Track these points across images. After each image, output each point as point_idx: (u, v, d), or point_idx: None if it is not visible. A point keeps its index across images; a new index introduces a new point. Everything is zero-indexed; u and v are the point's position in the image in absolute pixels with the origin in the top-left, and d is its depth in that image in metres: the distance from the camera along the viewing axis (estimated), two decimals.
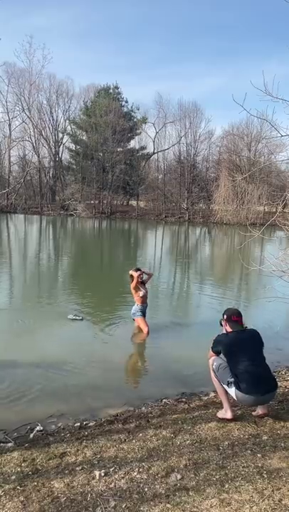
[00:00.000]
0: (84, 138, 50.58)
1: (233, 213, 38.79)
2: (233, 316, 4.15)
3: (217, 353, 4.17)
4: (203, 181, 47.26)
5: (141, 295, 7.19)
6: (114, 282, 12.21)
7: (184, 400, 4.78)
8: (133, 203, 51.71)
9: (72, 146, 51.92)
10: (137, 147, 52.03)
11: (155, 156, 52.88)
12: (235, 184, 37.92)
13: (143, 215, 46.68)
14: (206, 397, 4.83)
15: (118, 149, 47.95)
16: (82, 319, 7.49)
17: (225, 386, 4.01)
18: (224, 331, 4.22)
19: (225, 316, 4.21)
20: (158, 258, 18.72)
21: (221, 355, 4.19)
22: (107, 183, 46.60)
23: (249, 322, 4.97)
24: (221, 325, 4.26)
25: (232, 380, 3.89)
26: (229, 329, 4.13)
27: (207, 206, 46.19)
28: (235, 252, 19.96)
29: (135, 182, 48.24)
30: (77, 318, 7.48)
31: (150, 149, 52.61)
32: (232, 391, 3.92)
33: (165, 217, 45.57)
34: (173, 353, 6.56)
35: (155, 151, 51.90)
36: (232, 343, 3.99)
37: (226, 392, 4.06)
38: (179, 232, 35.80)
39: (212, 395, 4.83)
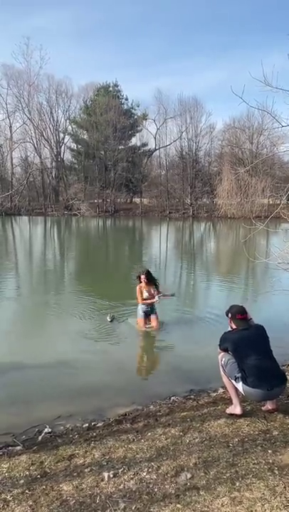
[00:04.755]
0: (85, 137, 50.32)
1: (237, 207, 38.40)
2: (238, 315, 4.13)
3: (225, 350, 4.14)
4: (206, 176, 46.46)
5: (144, 297, 7.19)
6: (120, 280, 12.17)
7: (192, 396, 4.74)
8: (136, 200, 51.15)
9: (74, 146, 51.93)
10: (139, 144, 51.75)
11: (157, 152, 51.96)
12: (238, 177, 37.44)
13: (147, 212, 46.22)
14: (214, 394, 4.80)
15: (120, 147, 47.50)
16: (114, 318, 7.45)
17: (233, 381, 3.99)
18: (230, 328, 4.20)
19: (229, 315, 4.18)
20: (163, 254, 18.59)
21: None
22: (109, 181, 46.42)
23: (256, 315, 4.81)
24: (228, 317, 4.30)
25: (239, 375, 3.88)
26: (234, 327, 4.09)
27: (211, 201, 45.56)
28: (240, 245, 19.86)
29: (138, 179, 48.03)
30: (113, 317, 7.43)
31: (152, 146, 52.42)
32: (239, 386, 3.90)
33: (169, 213, 45.07)
34: (181, 350, 6.49)
35: (157, 148, 51.00)
36: (238, 340, 3.98)
37: (235, 388, 4.02)
38: (184, 227, 35.55)
39: (221, 391, 4.80)
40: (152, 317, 7.15)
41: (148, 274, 7.23)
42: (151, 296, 7.20)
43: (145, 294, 7.21)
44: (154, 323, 7.09)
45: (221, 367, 4.14)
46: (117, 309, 8.34)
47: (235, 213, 37.70)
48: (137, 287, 7.28)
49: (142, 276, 7.15)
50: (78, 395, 4.80)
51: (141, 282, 7.19)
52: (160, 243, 23.55)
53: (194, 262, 16.41)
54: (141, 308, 7.15)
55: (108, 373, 5.49)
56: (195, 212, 44.04)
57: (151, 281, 7.28)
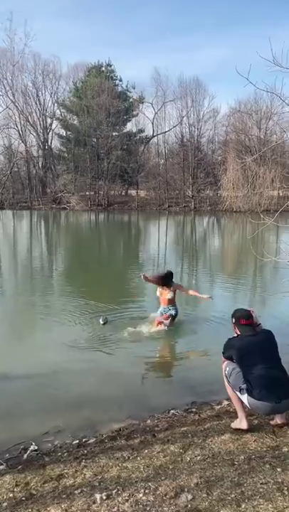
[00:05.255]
0: (75, 122, 49.89)
1: (244, 199, 38.03)
2: (242, 320, 4.10)
3: (229, 359, 4.11)
4: (209, 165, 46.31)
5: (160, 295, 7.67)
6: (113, 280, 12.09)
7: (194, 410, 4.72)
8: (132, 192, 50.87)
9: (63, 132, 51.41)
10: (135, 130, 51.32)
11: (155, 139, 51.88)
12: (244, 167, 37.21)
13: (144, 206, 45.97)
14: (218, 406, 4.78)
15: (113, 134, 47.12)
16: (107, 321, 7.52)
17: (238, 393, 3.95)
18: (235, 334, 4.19)
19: (233, 320, 4.16)
20: (162, 252, 18.40)
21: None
22: (102, 171, 45.99)
23: (264, 320, 4.83)
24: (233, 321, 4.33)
25: (244, 386, 3.84)
26: (239, 333, 4.07)
27: (214, 193, 45.34)
28: (247, 242, 19.73)
29: (134, 169, 47.63)
30: (106, 320, 7.48)
31: (149, 132, 51.85)
32: (244, 398, 3.86)
33: (168, 206, 44.80)
34: (181, 358, 6.39)
35: (154, 134, 50.83)
36: (243, 347, 3.96)
37: (241, 400, 3.98)
38: (185, 222, 35.17)
39: (226, 403, 4.75)
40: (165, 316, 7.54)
41: (164, 277, 7.40)
42: (162, 296, 7.45)
43: (158, 293, 7.58)
44: (165, 319, 7.36)
45: (224, 377, 4.10)
46: (111, 311, 8.31)
47: (242, 207, 37.32)
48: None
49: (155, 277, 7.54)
50: (67, 408, 4.74)
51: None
52: (159, 240, 23.35)
53: (197, 261, 16.27)
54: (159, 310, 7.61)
55: (101, 384, 5.43)
56: (197, 206, 43.69)
57: (165, 284, 7.43)
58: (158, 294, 7.65)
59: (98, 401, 4.98)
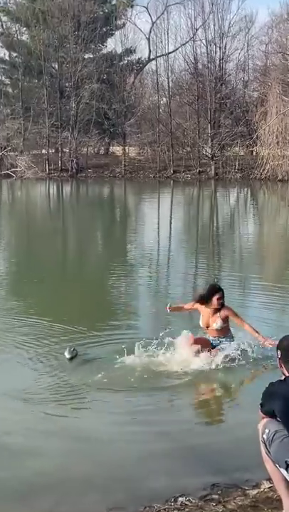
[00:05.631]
0: (24, 38, 47.31)
1: None
2: None
3: (270, 415, 3.97)
4: (240, 107, 43.68)
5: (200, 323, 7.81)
6: (85, 291, 11.93)
7: (215, 497, 4.54)
8: (117, 150, 48.38)
9: (5, 54, 48.50)
10: (120, 51, 47.74)
11: (152, 65, 48.02)
12: None
13: (135, 172, 43.55)
14: (254, 491, 4.60)
15: (86, 56, 44.66)
16: (77, 354, 7.65)
17: (283, 470, 3.85)
18: (282, 376, 4.02)
19: (279, 353, 4.09)
20: (165, 246, 17.92)
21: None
22: (68, 116, 43.73)
23: None
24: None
25: None
26: (287, 374, 3.99)
27: (248, 151, 42.95)
28: None
29: (119, 113, 44.88)
30: (75, 353, 7.66)
31: (143, 54, 48.23)
32: None
33: (174, 172, 42.28)
34: (196, 415, 6.28)
35: (152, 57, 47.28)
36: None
37: (285, 480, 3.89)
38: (200, 198, 32.92)
39: (266, 485, 4.60)
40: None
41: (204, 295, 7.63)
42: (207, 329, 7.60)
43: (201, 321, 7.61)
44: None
45: (262, 444, 3.96)
46: (81, 338, 8.22)
47: None
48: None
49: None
50: (14, 498, 4.61)
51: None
52: (158, 227, 22.24)
53: (219, 260, 15.82)
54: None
55: (68, 457, 5.22)
56: (220, 171, 41.54)
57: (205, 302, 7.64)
58: (201, 324, 7.67)
59: (65, 484, 4.79)
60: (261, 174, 38.53)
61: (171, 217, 26.12)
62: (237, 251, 17.88)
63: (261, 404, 4.02)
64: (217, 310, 7.58)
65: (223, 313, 7.56)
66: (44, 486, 4.84)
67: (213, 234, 21.34)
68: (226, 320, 7.57)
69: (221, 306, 7.57)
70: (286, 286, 12.37)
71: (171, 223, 24.13)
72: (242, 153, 42.93)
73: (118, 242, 19.96)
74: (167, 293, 12.27)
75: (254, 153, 41.48)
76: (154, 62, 48.76)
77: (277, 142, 37.08)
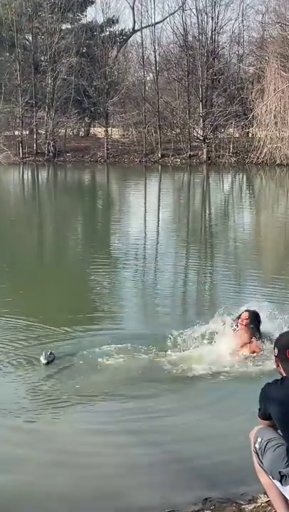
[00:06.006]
0: None
1: None
2: None
3: (265, 417, 4.02)
4: (234, 84, 42.78)
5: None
6: (64, 287, 11.95)
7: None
8: (99, 132, 47.14)
9: None
10: (101, 21, 46.40)
11: (137, 37, 46.76)
12: None
13: (119, 156, 42.89)
14: (251, 506, 4.59)
15: (63, 26, 43.63)
16: (54, 358, 7.67)
17: (276, 482, 3.86)
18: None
19: (276, 351, 4.08)
20: (151, 238, 17.65)
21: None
22: (44, 94, 42.56)
23: None
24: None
25: (286, 470, 3.78)
26: (284, 373, 4.01)
27: (243, 132, 42.42)
28: None
29: (101, 90, 43.59)
30: (52, 358, 7.68)
31: (127, 25, 46.82)
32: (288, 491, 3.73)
33: (163, 157, 41.70)
34: (187, 423, 6.17)
35: (137, 28, 46.38)
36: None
37: (282, 495, 3.91)
38: (191, 184, 32.47)
39: (264, 499, 4.57)
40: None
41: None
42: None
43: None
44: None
45: (254, 454, 4.00)
46: (60, 338, 8.22)
47: None
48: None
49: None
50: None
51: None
52: (145, 217, 22.15)
53: (212, 251, 15.88)
54: None
55: (47, 470, 5.22)
56: (213, 155, 41.08)
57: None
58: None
59: (40, 501, 4.78)
60: (258, 158, 37.56)
61: (159, 205, 25.50)
62: (231, 242, 17.66)
63: (259, 409, 4.04)
64: (249, 336, 8.13)
65: (252, 347, 8.12)
66: (18, 501, 4.84)
67: (205, 223, 20.99)
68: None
69: (250, 330, 8.16)
70: (283, 278, 12.38)
71: (158, 212, 23.43)
72: (237, 135, 42.35)
73: (100, 232, 19.58)
74: (155, 288, 12.16)
75: (250, 135, 40.84)
76: (139, 33, 46.73)
77: (276, 123, 35.98)
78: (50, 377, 7.22)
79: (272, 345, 4.31)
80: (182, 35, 42.19)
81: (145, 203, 26.40)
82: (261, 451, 3.90)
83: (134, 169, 38.48)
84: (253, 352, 8.00)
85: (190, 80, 41.74)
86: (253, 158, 38.45)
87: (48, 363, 7.35)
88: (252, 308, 8.43)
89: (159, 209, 24.44)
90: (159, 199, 27.41)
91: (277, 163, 35.72)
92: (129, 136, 44.71)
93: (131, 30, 46.54)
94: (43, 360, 7.39)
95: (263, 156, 36.64)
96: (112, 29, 46.19)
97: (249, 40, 45.14)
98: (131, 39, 47.43)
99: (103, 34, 45.12)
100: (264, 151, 36.00)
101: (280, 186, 30.66)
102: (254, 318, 8.17)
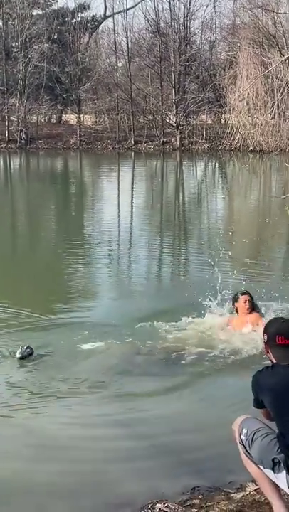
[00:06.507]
0: None
1: (267, 130, 36.64)
2: (280, 337, 3.94)
3: (259, 406, 4.01)
4: (206, 70, 42.63)
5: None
6: (37, 275, 11.75)
7: (196, 501, 4.48)
8: (71, 118, 46.44)
9: None
10: (72, 7, 46.08)
11: (109, 22, 46.50)
12: (269, 73, 33.44)
13: (92, 143, 42.46)
14: (239, 494, 4.57)
15: (34, 12, 43.19)
16: (31, 353, 7.45)
17: (268, 471, 3.83)
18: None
19: (265, 337, 4.04)
20: (125, 224, 17.51)
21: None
22: (16, 80, 41.66)
23: None
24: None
25: (280, 457, 3.72)
26: (274, 360, 3.99)
27: (216, 119, 42.18)
28: (277, 204, 19.67)
29: (73, 77, 43.32)
30: (27, 352, 7.44)
31: (98, 10, 46.81)
32: (282, 478, 3.75)
33: (136, 143, 41.50)
34: (172, 412, 6.10)
35: (108, 14, 46.06)
36: (281, 386, 3.82)
37: (273, 482, 3.88)
38: (165, 171, 32.51)
39: (252, 487, 4.58)
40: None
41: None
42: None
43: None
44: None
45: (239, 446, 3.97)
46: (35, 333, 7.93)
47: (264, 143, 36.39)
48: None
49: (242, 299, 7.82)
50: None
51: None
52: (119, 203, 21.99)
53: (186, 236, 15.77)
54: None
55: (29, 462, 5.17)
56: (186, 142, 41.12)
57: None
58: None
59: (25, 492, 4.72)
60: (231, 145, 37.39)
61: (132, 192, 25.26)
62: (205, 227, 17.51)
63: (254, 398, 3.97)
64: (247, 315, 8.00)
65: (252, 318, 7.97)
66: (3, 492, 4.79)
67: (178, 209, 20.90)
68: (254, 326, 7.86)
69: (251, 310, 7.99)
70: (257, 263, 12.43)
71: (132, 199, 23.31)
72: (210, 122, 42.11)
73: (73, 219, 19.21)
74: (129, 273, 12.14)
75: (222, 121, 41.09)
76: (110, 19, 46.20)
77: (248, 109, 35.61)
78: (25, 370, 7.16)
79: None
80: (154, 20, 41.79)
81: (118, 190, 26.36)
82: (248, 442, 3.89)
83: (107, 156, 38.26)
84: (255, 324, 7.97)
85: (163, 66, 41.34)
86: (226, 145, 38.34)
87: (22, 358, 7.17)
88: (242, 289, 8.36)
89: (132, 196, 24.35)
90: (132, 186, 27.18)
91: (250, 149, 35.58)
92: (101, 123, 44.15)
93: (102, 16, 45.93)
94: (17, 355, 7.20)
95: (236, 142, 36.55)
96: (83, 15, 45.67)
97: (221, 26, 44.57)
98: (102, 25, 46.95)
99: (75, 20, 44.74)
100: (237, 138, 35.81)
101: (253, 172, 30.53)
102: (252, 298, 8.10)
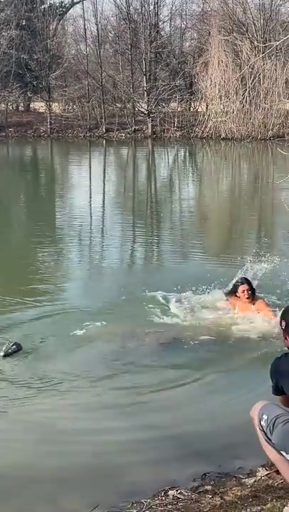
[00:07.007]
0: None
1: (239, 118, 36.63)
2: None
3: (278, 393, 4.08)
4: (176, 58, 42.07)
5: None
6: (10, 262, 11.78)
7: (208, 487, 4.47)
8: (40, 106, 46.16)
9: None
10: None
11: (77, 9, 45.56)
12: (239, 61, 35.28)
13: (62, 131, 41.93)
14: (251, 480, 4.55)
15: None
16: (18, 349, 7.27)
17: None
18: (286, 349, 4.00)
19: (283, 324, 4.04)
20: (97, 212, 17.35)
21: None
22: None
23: None
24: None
25: None
26: None
27: (187, 106, 41.77)
28: (247, 187, 19.56)
29: (42, 64, 42.84)
30: (13, 350, 7.26)
31: None
32: None
33: (107, 131, 40.90)
34: (179, 399, 6.14)
35: (76, 0, 45.76)
36: None
37: None
38: (136, 159, 32.08)
39: (263, 473, 4.59)
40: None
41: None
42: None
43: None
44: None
45: (259, 432, 3.99)
46: (18, 327, 7.72)
47: (235, 130, 36.36)
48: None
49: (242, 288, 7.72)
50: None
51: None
52: (90, 191, 21.75)
53: (158, 224, 15.73)
54: None
55: (38, 452, 5.12)
56: (158, 130, 40.62)
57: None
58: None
59: (37, 482, 4.70)
60: (203, 132, 37.11)
61: (104, 180, 25.28)
62: (176, 214, 17.65)
63: (272, 385, 4.07)
64: (250, 303, 8.05)
65: (257, 306, 8.03)
66: (14, 484, 4.77)
67: (150, 197, 20.79)
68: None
69: (251, 298, 8.00)
70: (227, 251, 12.53)
71: (104, 187, 23.23)
72: (180, 109, 41.48)
73: (44, 208, 19.09)
74: (101, 260, 12.13)
75: (192, 109, 40.93)
76: (80, 5, 45.80)
77: (220, 97, 35.64)
78: (20, 365, 7.16)
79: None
80: (124, 6, 41.25)
81: (90, 178, 26.11)
82: (270, 428, 3.92)
83: (79, 144, 37.86)
84: (260, 311, 8.02)
85: (133, 53, 40.81)
86: (197, 133, 37.97)
87: (5, 356, 7.07)
88: (240, 276, 8.41)
89: (104, 183, 24.23)
90: (104, 174, 27.18)
91: (222, 137, 35.24)
92: (71, 110, 43.70)
93: (71, 1, 45.28)
94: (1, 353, 7.11)
95: (207, 130, 36.38)
96: (52, 1, 44.69)
97: (190, 13, 44.15)
98: (71, 11, 46.21)
99: (43, 6, 43.90)
100: (209, 125, 35.72)
101: (225, 160, 30.60)
102: (251, 284, 8.10)
